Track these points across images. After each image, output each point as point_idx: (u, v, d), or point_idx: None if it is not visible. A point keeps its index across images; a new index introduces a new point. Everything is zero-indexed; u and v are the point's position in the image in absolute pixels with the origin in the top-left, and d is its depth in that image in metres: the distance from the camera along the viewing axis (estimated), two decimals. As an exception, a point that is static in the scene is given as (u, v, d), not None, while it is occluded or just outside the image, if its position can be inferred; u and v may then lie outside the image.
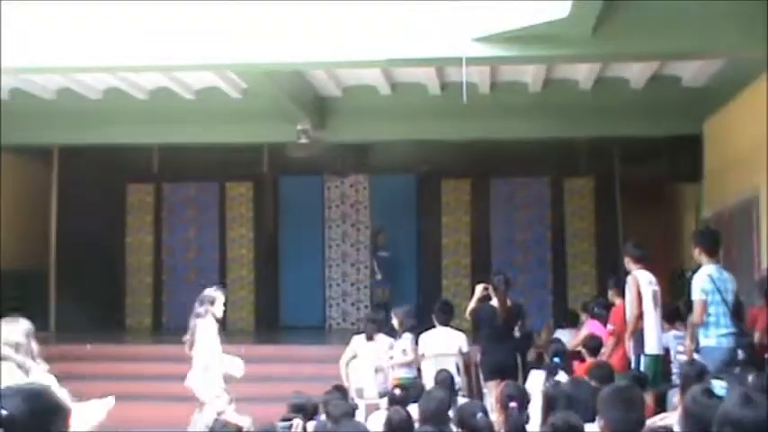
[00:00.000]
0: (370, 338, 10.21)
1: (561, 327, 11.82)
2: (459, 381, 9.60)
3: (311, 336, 15.75)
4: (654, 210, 15.59)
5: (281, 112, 12.84)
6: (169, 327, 17.10)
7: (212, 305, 9.31)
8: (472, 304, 10.05)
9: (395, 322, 10.55)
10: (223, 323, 16.66)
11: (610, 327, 9.31)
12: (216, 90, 13.11)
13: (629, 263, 8.76)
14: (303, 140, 13.24)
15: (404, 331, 10.30)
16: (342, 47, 9.17)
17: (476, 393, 10.01)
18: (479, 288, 10.03)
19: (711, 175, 12.98)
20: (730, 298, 7.91)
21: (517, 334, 10.13)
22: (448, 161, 16.72)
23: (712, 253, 8.09)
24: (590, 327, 10.19)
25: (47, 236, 15.62)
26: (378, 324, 10.43)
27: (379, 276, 15.67)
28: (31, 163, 15.54)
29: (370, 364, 10.07)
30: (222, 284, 16.94)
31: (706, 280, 7.92)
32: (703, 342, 7.92)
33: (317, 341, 15.11)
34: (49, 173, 15.71)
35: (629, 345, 8.57)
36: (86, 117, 13.42)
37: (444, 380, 8.66)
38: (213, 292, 9.43)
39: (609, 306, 9.84)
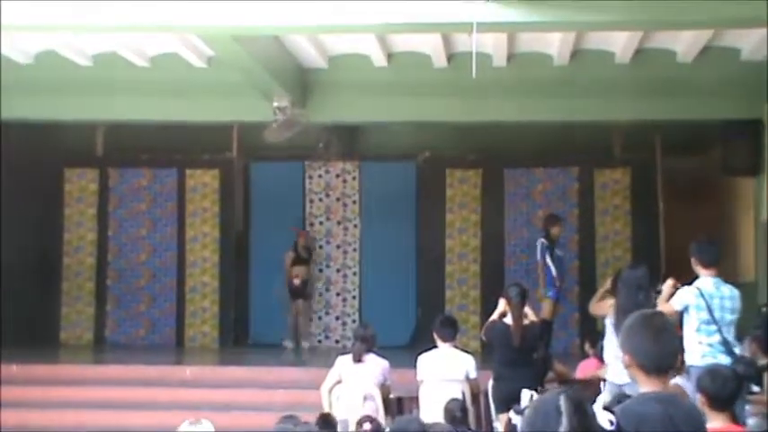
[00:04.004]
0: (358, 360, 10.18)
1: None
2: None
3: (286, 356, 15.74)
4: (702, 209, 15.59)
5: (254, 86, 12.81)
6: (114, 343, 17.10)
7: None
8: (491, 320, 10.11)
9: None
10: (180, 339, 16.96)
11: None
12: (175, 57, 13.07)
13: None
14: (280, 120, 13.20)
15: None
16: (328, 8, 9.15)
17: (485, 427, 10.02)
18: (503, 302, 10.08)
19: (773, 168, 13.00)
20: (729, 317, 8.27)
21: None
22: (454, 147, 16.74)
23: (708, 265, 8.45)
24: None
25: (-35, 230, 15.57)
26: (368, 343, 10.39)
27: (556, 284, 14.10)
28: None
29: (359, 391, 10.04)
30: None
31: (693, 293, 8.27)
32: (689, 361, 8.20)
33: (294, 362, 15.11)
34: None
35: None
36: (15, 86, 13.26)
37: (453, 410, 8.66)
38: None
39: None
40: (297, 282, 16.42)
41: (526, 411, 3.24)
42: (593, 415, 3.16)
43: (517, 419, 7.29)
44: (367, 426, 7.69)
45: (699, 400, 6.07)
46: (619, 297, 8.96)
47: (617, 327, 8.73)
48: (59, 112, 13.90)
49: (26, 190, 16.09)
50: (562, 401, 3.06)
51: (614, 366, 8.87)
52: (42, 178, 16.98)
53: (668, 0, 8.85)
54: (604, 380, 9.33)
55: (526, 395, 8.50)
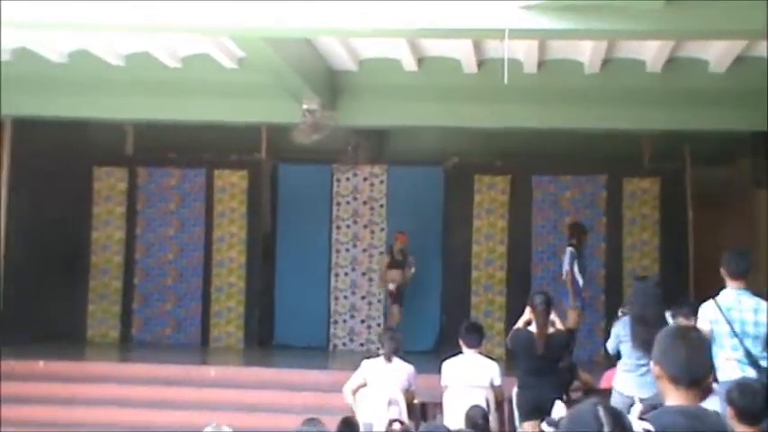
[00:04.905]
0: (388, 360, 10.14)
1: None
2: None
3: (311, 358, 15.75)
4: (731, 220, 15.51)
5: (284, 88, 12.83)
6: (140, 341, 17.16)
7: None
8: (516, 328, 10.11)
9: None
10: (205, 339, 17.00)
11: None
12: (206, 58, 13.11)
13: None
14: (309, 122, 13.21)
15: None
16: (360, 11, 9.14)
17: (508, 435, 10.01)
18: (528, 310, 10.08)
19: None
20: (753, 330, 8.06)
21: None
22: (483, 153, 16.70)
23: (736, 277, 8.27)
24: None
25: (-5, 227, 15.64)
26: (395, 342, 10.35)
27: (582, 294, 14.29)
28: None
29: (384, 395, 10.01)
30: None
31: (711, 308, 8.16)
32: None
33: (319, 365, 15.10)
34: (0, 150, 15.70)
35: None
36: (47, 84, 13.40)
37: (475, 417, 8.65)
38: None
39: None
40: (391, 287, 16.23)
41: (561, 423, 3.24)
42: (630, 425, 3.16)
43: (549, 431, 7.27)
44: (396, 426, 7.68)
45: (728, 413, 6.01)
46: (632, 308, 8.99)
47: (633, 337, 8.75)
48: (90, 111, 13.93)
49: (55, 187, 16.15)
50: (601, 412, 3.06)
51: (621, 376, 8.92)
52: (72, 176, 17.04)
53: (700, 6, 8.78)
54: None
55: (559, 407, 8.50)
